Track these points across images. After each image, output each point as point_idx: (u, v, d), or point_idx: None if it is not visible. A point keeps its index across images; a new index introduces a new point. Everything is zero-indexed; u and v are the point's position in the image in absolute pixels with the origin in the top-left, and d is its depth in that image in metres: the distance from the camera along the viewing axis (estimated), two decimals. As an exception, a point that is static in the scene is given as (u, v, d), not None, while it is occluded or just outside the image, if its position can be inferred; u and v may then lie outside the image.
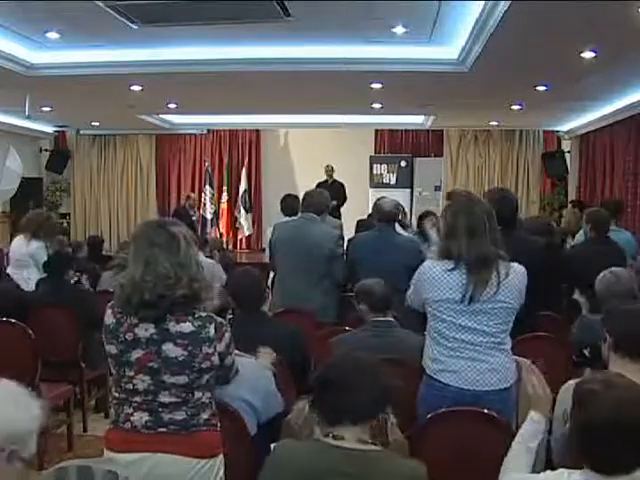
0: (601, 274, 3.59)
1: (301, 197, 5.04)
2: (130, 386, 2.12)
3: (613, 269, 3.62)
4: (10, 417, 1.32)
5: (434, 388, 2.72)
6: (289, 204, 5.60)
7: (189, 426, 2.11)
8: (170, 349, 2.08)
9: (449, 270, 2.67)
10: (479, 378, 2.65)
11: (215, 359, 2.14)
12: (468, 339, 2.67)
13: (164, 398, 2.10)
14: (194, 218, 10.54)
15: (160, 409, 2.10)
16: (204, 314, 2.15)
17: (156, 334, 2.09)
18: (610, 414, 1.63)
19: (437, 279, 2.70)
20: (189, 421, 2.12)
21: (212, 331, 2.12)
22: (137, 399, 2.12)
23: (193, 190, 12.38)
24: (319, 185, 8.55)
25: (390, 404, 2.06)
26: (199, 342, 2.10)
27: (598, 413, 1.65)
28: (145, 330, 2.09)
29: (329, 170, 10.59)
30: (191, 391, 2.12)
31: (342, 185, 10.38)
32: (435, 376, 2.72)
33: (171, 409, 2.10)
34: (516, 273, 2.71)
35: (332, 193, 8.73)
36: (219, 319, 2.19)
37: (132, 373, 2.11)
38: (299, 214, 4.94)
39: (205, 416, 2.15)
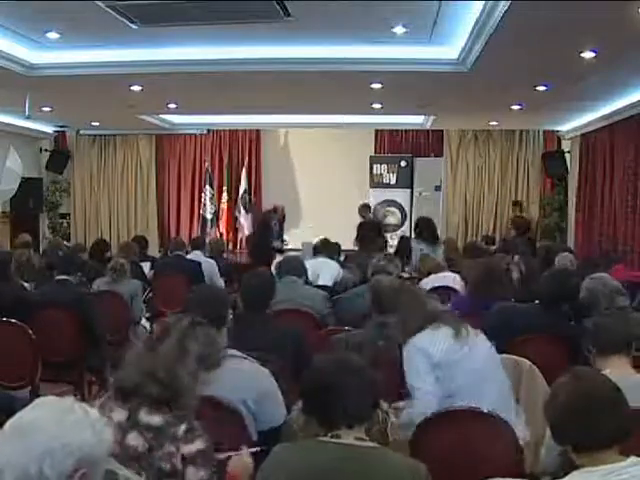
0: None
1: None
2: None
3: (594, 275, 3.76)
4: (86, 441, 1.37)
5: None
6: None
7: None
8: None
9: (437, 329, 2.83)
10: None
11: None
12: (478, 390, 2.70)
13: None
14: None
15: None
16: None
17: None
18: (571, 393, 1.81)
19: (431, 340, 2.80)
20: None
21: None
22: None
23: (193, 190, 12.41)
24: (362, 225, 7.79)
25: (379, 398, 2.05)
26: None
27: (562, 394, 1.82)
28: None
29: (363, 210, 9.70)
30: None
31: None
32: None
33: None
34: None
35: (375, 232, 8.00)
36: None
37: None
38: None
39: None
